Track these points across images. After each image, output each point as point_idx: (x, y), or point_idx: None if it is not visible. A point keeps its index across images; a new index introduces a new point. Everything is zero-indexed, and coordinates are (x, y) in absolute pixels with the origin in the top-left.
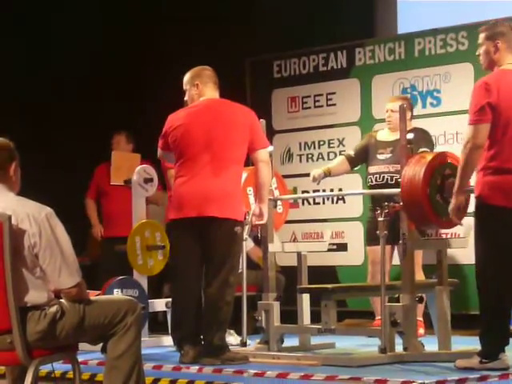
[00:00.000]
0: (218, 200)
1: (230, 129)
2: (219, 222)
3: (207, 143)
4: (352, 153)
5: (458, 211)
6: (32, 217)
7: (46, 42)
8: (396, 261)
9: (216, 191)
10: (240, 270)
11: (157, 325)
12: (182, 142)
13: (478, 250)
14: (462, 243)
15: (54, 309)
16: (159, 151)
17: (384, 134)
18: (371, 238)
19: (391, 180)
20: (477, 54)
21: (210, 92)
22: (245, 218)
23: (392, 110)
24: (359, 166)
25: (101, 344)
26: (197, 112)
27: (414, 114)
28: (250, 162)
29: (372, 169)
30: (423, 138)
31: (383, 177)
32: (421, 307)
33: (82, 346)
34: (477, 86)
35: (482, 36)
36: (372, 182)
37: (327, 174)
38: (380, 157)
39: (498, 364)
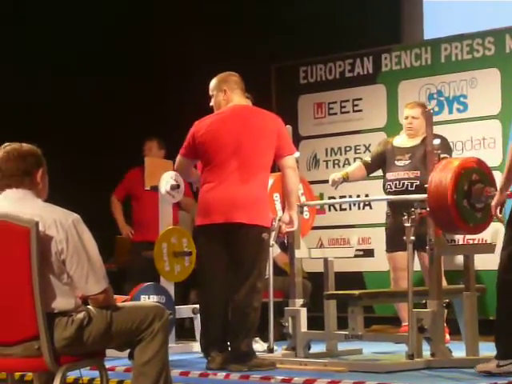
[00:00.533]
0: (246, 206)
1: (258, 135)
2: (247, 228)
3: (235, 150)
4: (368, 159)
5: (497, 208)
6: (59, 223)
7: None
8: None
9: (243, 197)
10: (266, 276)
11: (184, 331)
12: (210, 148)
13: (503, 253)
14: (490, 249)
15: (81, 315)
16: (180, 159)
17: (401, 140)
18: (392, 245)
19: (411, 186)
20: None
21: (238, 98)
22: (272, 224)
23: (413, 117)
24: (375, 172)
25: (128, 350)
26: (224, 118)
27: (441, 119)
28: (276, 167)
29: (390, 175)
30: (443, 145)
31: (403, 183)
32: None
33: (109, 352)
34: None
35: None
36: (391, 188)
37: (346, 178)
38: (398, 163)
39: None
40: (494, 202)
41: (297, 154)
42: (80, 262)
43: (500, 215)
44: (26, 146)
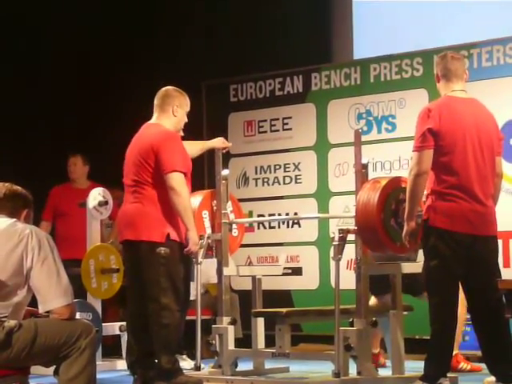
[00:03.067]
0: (131, 223)
1: (137, 153)
2: (136, 244)
3: (125, 168)
4: None
5: (411, 237)
6: (34, 231)
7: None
8: (350, 285)
9: (129, 215)
10: (194, 293)
11: (110, 348)
12: None
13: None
14: (416, 268)
15: (12, 323)
16: None
17: None
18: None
19: None
20: None
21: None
22: (168, 240)
23: None
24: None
25: (53, 367)
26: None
27: (370, 139)
28: (205, 185)
29: None
30: None
31: None
32: (378, 336)
33: (34, 369)
34: (420, 113)
35: None
36: None
37: None
38: None
39: None
40: (403, 233)
41: (226, 172)
42: (50, 272)
43: (413, 246)
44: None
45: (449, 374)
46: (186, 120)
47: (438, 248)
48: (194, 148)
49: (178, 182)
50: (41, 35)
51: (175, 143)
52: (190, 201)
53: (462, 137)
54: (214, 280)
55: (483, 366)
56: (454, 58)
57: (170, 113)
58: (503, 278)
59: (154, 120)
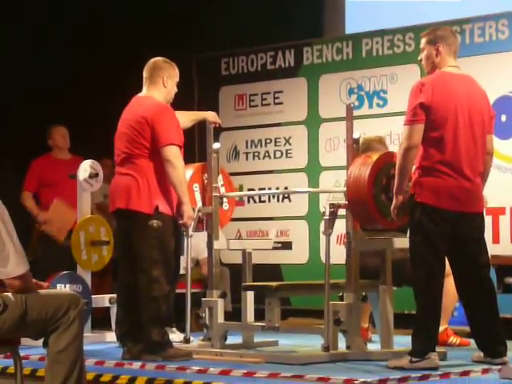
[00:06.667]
0: (122, 193)
1: (126, 125)
2: (125, 213)
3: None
4: None
5: (399, 210)
6: None
7: None
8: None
9: (120, 185)
10: (184, 266)
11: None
12: None
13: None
14: (406, 242)
15: None
16: None
17: None
18: None
19: None
20: (419, 58)
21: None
22: (157, 212)
23: None
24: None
25: (42, 339)
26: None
27: (361, 113)
28: (196, 158)
29: None
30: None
31: None
32: (367, 310)
33: (24, 341)
34: (413, 87)
35: (423, 41)
36: None
37: None
38: None
39: (427, 363)
40: (392, 206)
41: (217, 145)
42: (1, 243)
43: (401, 221)
44: None
45: (437, 349)
46: (176, 90)
47: (423, 223)
48: (187, 119)
49: (174, 154)
50: None
51: (170, 116)
52: (185, 174)
53: (454, 113)
54: (204, 253)
55: (472, 340)
56: (454, 34)
57: (161, 84)
58: (493, 253)
59: (144, 93)
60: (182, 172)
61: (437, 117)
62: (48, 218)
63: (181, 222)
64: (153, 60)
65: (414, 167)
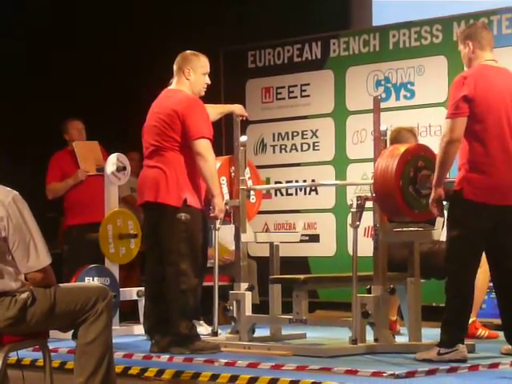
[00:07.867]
0: (152, 186)
1: (156, 118)
2: (155, 206)
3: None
4: None
5: (437, 203)
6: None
7: None
8: (368, 252)
9: (149, 178)
10: (211, 260)
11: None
12: None
13: (447, 244)
14: (435, 235)
15: (24, 295)
16: None
17: None
18: None
19: None
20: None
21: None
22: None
23: None
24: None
25: (71, 332)
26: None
27: (388, 106)
28: (223, 151)
29: None
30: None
31: None
32: (395, 303)
33: (53, 334)
34: (455, 80)
35: (458, 42)
36: None
37: None
38: None
39: (454, 355)
40: (430, 199)
41: (244, 138)
42: (22, 239)
43: (436, 210)
44: None
45: (466, 341)
46: (207, 81)
47: (465, 220)
48: (215, 112)
49: (206, 147)
50: None
51: (200, 109)
52: (216, 167)
53: (497, 105)
54: (232, 246)
55: (500, 333)
56: (486, 29)
57: (183, 77)
58: None
59: (173, 86)
60: (213, 165)
61: (480, 109)
62: (83, 168)
63: (212, 214)
64: (182, 53)
65: (459, 162)
